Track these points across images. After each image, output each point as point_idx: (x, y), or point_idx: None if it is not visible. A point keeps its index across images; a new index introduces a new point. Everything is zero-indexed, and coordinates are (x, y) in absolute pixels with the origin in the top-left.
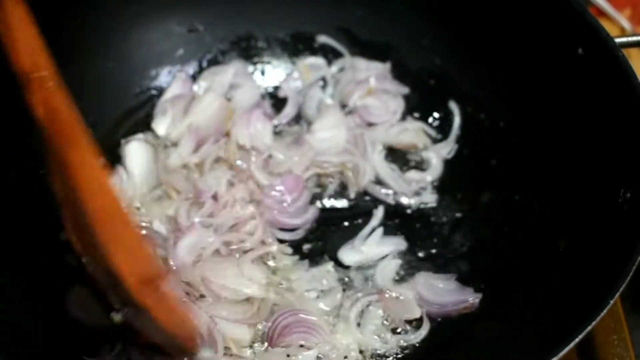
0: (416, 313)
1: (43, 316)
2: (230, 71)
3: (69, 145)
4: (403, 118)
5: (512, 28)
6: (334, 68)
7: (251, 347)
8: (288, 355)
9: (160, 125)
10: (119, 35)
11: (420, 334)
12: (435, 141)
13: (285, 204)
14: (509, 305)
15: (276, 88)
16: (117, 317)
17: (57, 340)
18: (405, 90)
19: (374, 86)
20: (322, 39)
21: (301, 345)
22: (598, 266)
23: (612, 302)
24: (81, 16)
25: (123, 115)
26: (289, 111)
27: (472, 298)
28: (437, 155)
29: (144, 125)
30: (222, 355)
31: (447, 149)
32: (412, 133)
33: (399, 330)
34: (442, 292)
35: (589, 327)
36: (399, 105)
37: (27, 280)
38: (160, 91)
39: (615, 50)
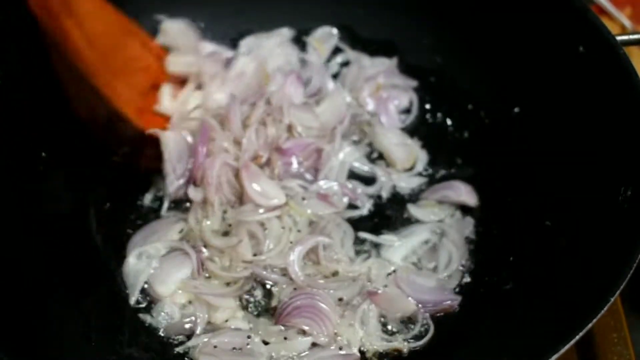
0: (410, 307)
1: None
2: (272, 40)
3: (62, 17)
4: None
5: (513, 26)
6: (339, 59)
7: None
8: (285, 338)
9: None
10: None
11: (423, 335)
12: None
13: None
14: (509, 303)
15: None
16: (117, 158)
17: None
18: (414, 83)
19: (382, 82)
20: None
21: (303, 332)
22: (598, 264)
23: (612, 300)
24: None
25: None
26: (314, 83)
27: (451, 300)
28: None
29: None
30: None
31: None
32: (405, 151)
33: (398, 330)
34: (422, 289)
35: (589, 325)
36: (411, 98)
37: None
38: None
39: (616, 48)
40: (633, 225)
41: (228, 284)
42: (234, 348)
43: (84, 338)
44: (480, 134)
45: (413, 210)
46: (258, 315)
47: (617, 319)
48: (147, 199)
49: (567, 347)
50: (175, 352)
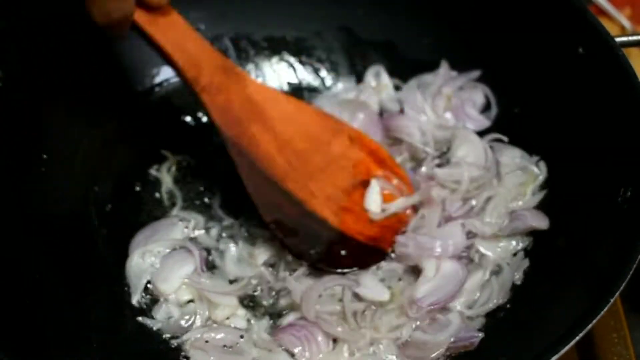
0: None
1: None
2: None
3: (249, 122)
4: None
5: (512, 27)
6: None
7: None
8: (270, 351)
9: None
10: None
11: None
12: None
13: None
14: (509, 303)
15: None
16: (307, 262)
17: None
18: (476, 73)
19: (448, 90)
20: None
21: (286, 350)
22: (598, 265)
23: (612, 300)
24: (79, 15)
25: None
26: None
27: (474, 337)
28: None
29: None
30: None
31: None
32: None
33: None
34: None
35: (589, 326)
36: (483, 92)
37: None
38: (162, 88)
39: (615, 50)
40: (632, 225)
41: (232, 282)
42: (224, 345)
43: (84, 338)
44: (479, 135)
45: (482, 247)
46: (262, 316)
47: (617, 319)
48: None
49: (567, 348)
50: (170, 345)
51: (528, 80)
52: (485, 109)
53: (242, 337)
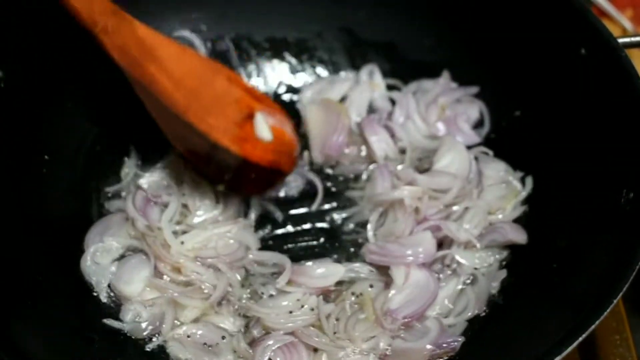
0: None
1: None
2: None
3: (145, 63)
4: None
5: (514, 28)
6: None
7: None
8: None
9: None
10: None
11: None
12: None
13: None
14: (512, 305)
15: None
16: (220, 187)
17: None
18: (474, 89)
19: (444, 101)
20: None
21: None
22: (600, 266)
23: (614, 302)
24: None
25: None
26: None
27: (455, 342)
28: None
29: None
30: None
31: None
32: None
33: None
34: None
35: (592, 327)
36: (479, 108)
37: None
38: None
39: (618, 51)
40: (635, 227)
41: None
42: (205, 343)
43: (86, 339)
44: (485, 131)
45: (459, 255)
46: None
47: (619, 320)
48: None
49: (569, 349)
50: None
51: (530, 81)
52: (478, 125)
53: (223, 338)
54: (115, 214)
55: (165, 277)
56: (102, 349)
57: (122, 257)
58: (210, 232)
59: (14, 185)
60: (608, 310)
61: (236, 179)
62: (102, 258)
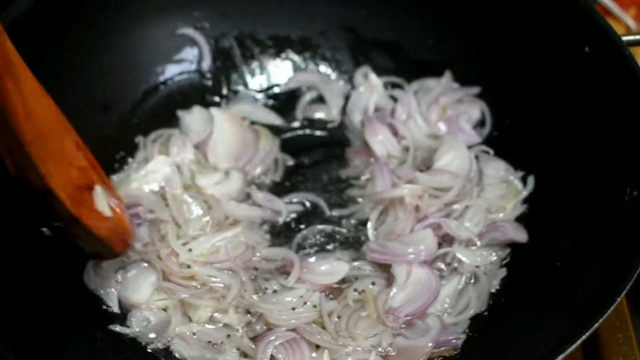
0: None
1: None
2: None
3: (5, 75)
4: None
5: (518, 27)
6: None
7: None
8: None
9: None
10: (123, 33)
11: None
12: None
13: None
14: (515, 304)
15: (277, 86)
16: (46, 231)
17: None
18: (476, 90)
19: (446, 101)
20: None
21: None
22: (604, 264)
23: (618, 300)
24: (86, 15)
25: (131, 110)
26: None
27: (456, 339)
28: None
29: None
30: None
31: None
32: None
33: None
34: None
35: (595, 326)
36: (481, 108)
37: None
38: (167, 86)
39: (622, 49)
40: (638, 226)
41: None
42: (209, 341)
43: (90, 338)
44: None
45: (460, 253)
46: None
47: (623, 319)
48: None
49: (572, 347)
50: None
51: (534, 79)
52: (480, 125)
53: (228, 336)
54: None
55: (174, 280)
56: (105, 347)
57: (124, 266)
58: (220, 236)
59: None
60: (612, 309)
61: (66, 229)
62: (104, 270)
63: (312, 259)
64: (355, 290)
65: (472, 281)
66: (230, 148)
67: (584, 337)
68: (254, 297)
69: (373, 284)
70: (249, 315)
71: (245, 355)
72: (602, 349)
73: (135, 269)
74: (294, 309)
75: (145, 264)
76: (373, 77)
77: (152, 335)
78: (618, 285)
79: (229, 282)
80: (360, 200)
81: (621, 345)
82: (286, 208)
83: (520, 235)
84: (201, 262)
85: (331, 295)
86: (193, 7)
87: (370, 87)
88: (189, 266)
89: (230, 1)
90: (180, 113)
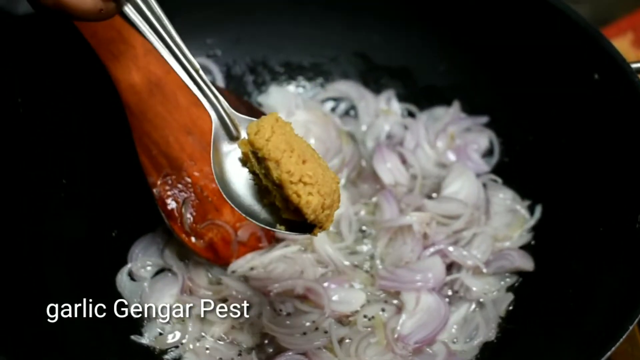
0: None
1: None
2: None
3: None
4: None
5: (527, 54)
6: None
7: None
8: None
9: None
10: None
11: None
12: None
13: None
14: (525, 332)
15: None
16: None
17: None
18: (484, 119)
19: (454, 130)
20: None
21: None
22: (615, 292)
23: (630, 328)
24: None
25: None
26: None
27: None
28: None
29: None
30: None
31: None
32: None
33: None
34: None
35: (608, 354)
36: (489, 137)
37: None
38: None
39: (631, 76)
40: None
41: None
42: (220, 358)
43: (93, 339)
44: (494, 160)
45: (468, 281)
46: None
47: (634, 345)
48: None
49: None
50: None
51: (544, 105)
52: (488, 154)
53: (240, 354)
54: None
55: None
56: (115, 354)
57: (156, 274)
58: (278, 252)
59: (32, 208)
60: (624, 337)
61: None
62: (137, 275)
63: (326, 284)
64: (364, 316)
65: (480, 308)
66: None
67: None
68: (267, 319)
69: (383, 310)
70: (261, 336)
71: None
72: None
73: (162, 278)
74: (305, 333)
75: (170, 274)
76: (394, 103)
77: (165, 347)
78: (630, 313)
79: (254, 301)
80: (368, 226)
81: None
82: None
83: (527, 263)
84: (236, 276)
85: (342, 322)
86: (205, 34)
87: (388, 112)
88: (219, 282)
89: (242, 28)
90: None
